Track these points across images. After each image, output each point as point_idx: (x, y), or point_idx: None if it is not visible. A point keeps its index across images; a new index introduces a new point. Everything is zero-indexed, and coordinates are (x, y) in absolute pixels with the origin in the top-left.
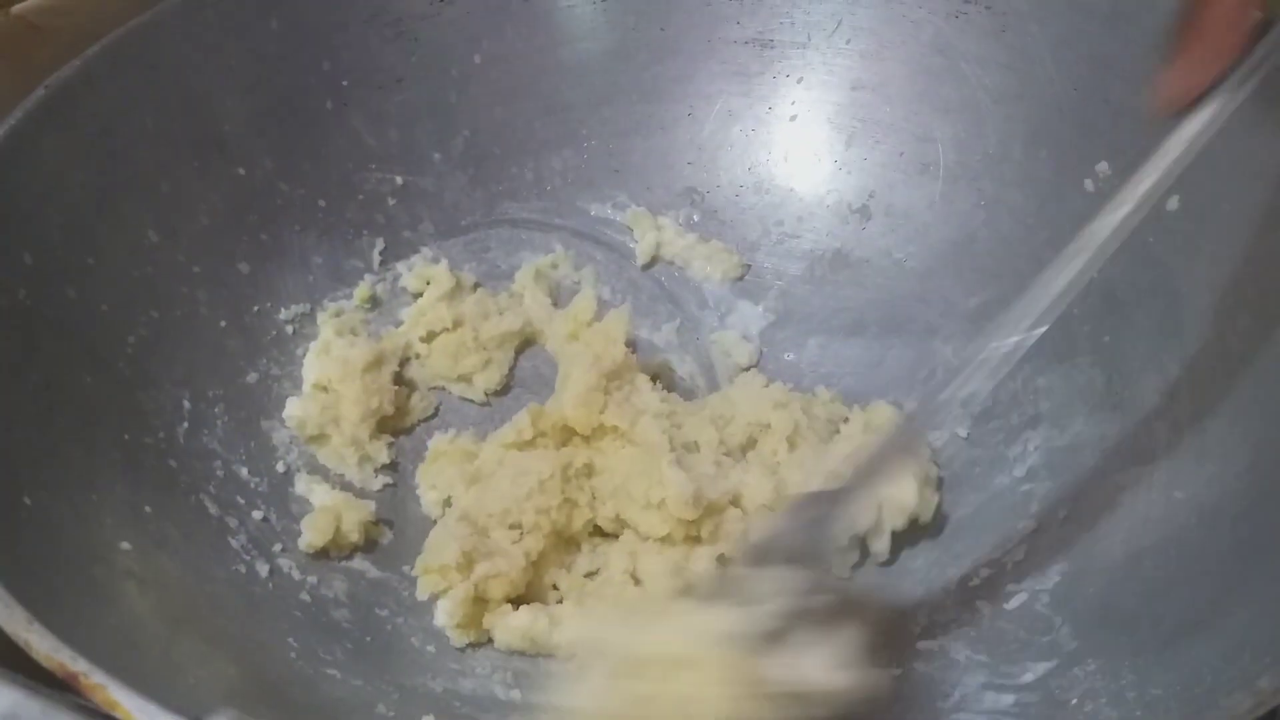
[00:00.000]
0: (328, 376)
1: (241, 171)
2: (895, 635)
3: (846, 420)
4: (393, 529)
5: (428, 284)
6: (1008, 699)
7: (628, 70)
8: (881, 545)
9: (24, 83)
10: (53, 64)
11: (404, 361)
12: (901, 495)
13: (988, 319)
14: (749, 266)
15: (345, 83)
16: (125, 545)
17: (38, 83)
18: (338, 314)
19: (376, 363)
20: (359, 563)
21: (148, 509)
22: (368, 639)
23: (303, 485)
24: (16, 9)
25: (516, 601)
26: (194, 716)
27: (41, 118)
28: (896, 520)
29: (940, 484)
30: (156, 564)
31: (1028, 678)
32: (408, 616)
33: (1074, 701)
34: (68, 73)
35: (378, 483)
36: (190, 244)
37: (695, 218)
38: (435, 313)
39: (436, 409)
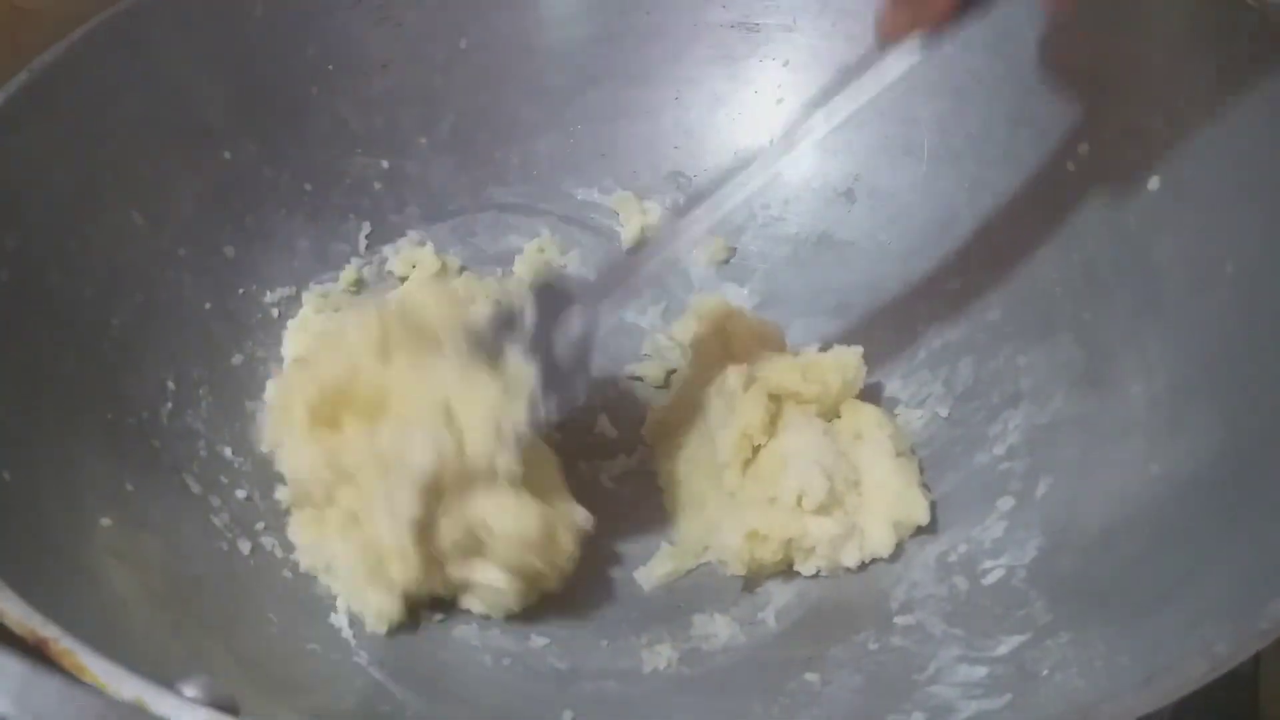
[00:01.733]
0: (308, 349)
1: (227, 156)
2: (873, 610)
3: None
4: None
5: (413, 267)
6: (981, 671)
7: (613, 55)
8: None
9: (9, 65)
10: (38, 47)
11: None
12: (910, 509)
13: (970, 301)
14: (734, 250)
15: (330, 67)
16: (106, 522)
17: (22, 65)
18: (324, 296)
19: None
20: None
21: (129, 487)
22: (347, 616)
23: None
24: None
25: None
26: (166, 682)
27: (25, 101)
28: (903, 532)
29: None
30: (137, 541)
31: (1001, 650)
32: None
33: (1045, 673)
34: (52, 56)
35: None
36: (175, 228)
37: (681, 201)
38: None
39: None
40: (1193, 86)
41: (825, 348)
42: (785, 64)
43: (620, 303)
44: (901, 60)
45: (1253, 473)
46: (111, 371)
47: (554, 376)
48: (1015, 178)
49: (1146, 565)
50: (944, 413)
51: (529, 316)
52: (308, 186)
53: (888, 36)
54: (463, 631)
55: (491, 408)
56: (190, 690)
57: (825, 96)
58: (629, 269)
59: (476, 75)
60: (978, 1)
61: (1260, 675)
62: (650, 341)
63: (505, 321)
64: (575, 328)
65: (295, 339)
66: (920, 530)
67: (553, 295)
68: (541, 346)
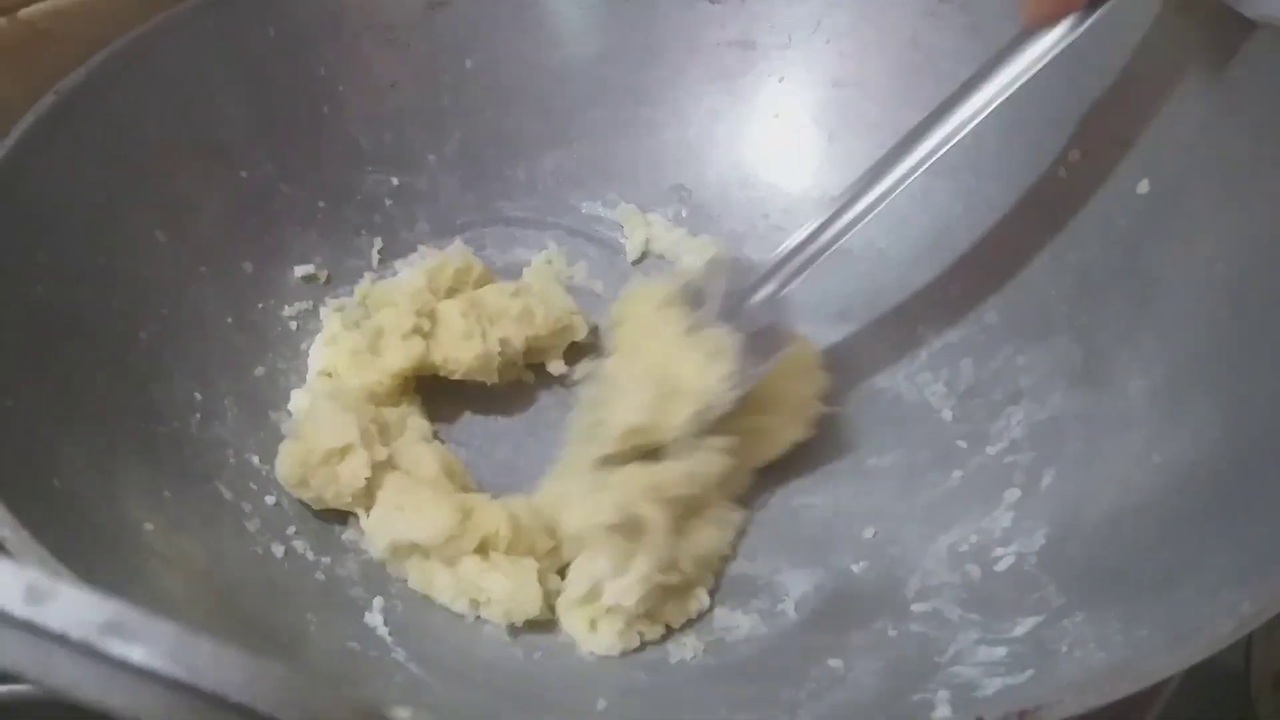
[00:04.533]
0: (333, 364)
1: (243, 174)
2: (889, 600)
3: None
4: None
5: None
6: (1000, 651)
7: (615, 73)
8: None
9: (30, 87)
10: (57, 69)
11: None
12: None
13: (969, 305)
14: (737, 260)
15: (341, 88)
16: (149, 526)
17: (43, 87)
18: (340, 309)
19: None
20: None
21: (167, 494)
22: (382, 614)
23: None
24: (23, 14)
25: None
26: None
27: (52, 122)
28: None
29: None
30: (178, 545)
31: (1019, 631)
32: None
33: (1064, 649)
34: (76, 79)
35: None
36: (196, 244)
37: (684, 213)
38: None
39: None
40: (1181, 95)
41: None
42: (780, 80)
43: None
44: (1050, 43)
45: (1252, 458)
46: (142, 384)
47: (752, 340)
48: (1009, 186)
49: (1154, 548)
50: (947, 412)
51: (715, 291)
52: (321, 204)
53: (1035, 19)
54: (492, 629)
55: (699, 368)
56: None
57: (976, 82)
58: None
59: (482, 94)
60: None
61: (1251, 670)
62: None
63: (695, 298)
64: (763, 301)
65: (322, 353)
66: (930, 524)
67: (739, 273)
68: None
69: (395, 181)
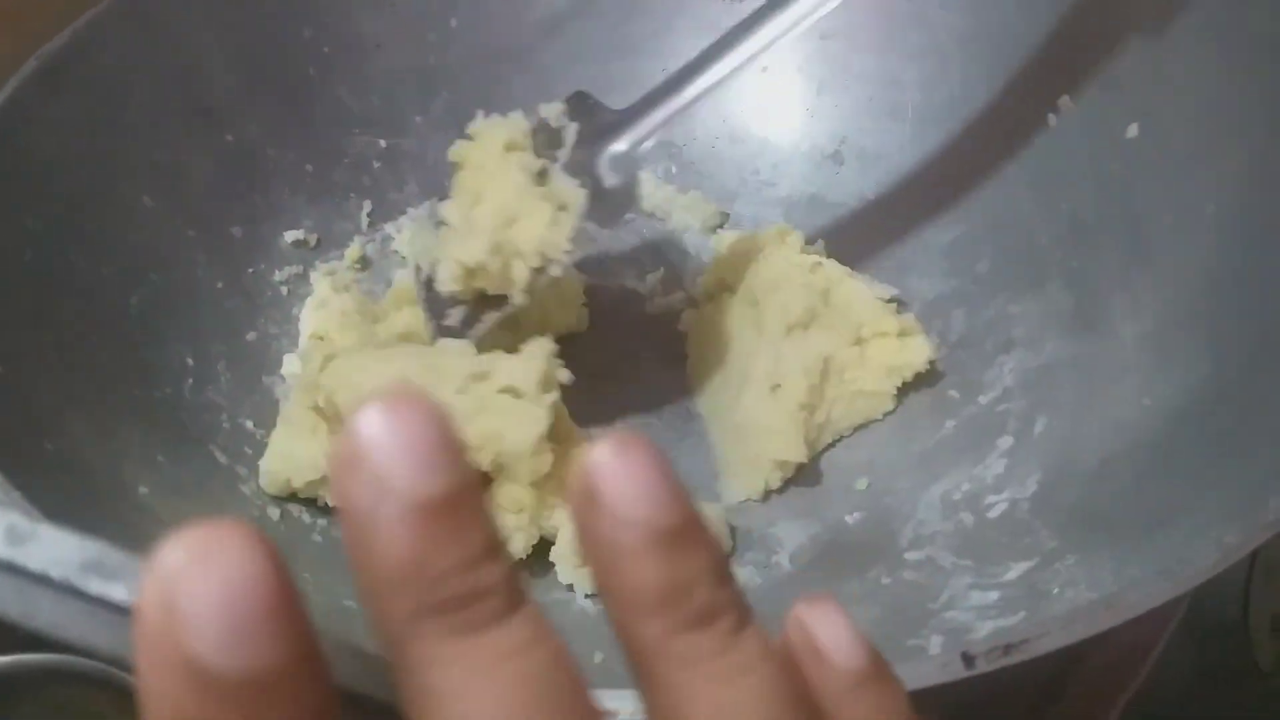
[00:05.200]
0: (325, 327)
1: (230, 138)
2: (883, 549)
3: None
4: None
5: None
6: (993, 595)
7: (600, 29)
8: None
9: (16, 49)
10: (44, 32)
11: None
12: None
13: (960, 255)
14: (728, 215)
15: (326, 49)
16: (144, 490)
17: (30, 50)
18: (330, 273)
19: (375, 318)
20: None
21: (161, 458)
22: None
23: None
24: None
25: None
26: None
27: (36, 87)
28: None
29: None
30: (174, 508)
31: (1011, 575)
32: None
33: (1056, 591)
34: (58, 43)
35: None
36: (185, 209)
37: (674, 170)
38: None
39: None
40: (1169, 36)
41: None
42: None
43: (665, 125)
44: None
45: (1240, 399)
46: (135, 348)
47: (600, 198)
48: (1000, 134)
49: (1145, 490)
50: (939, 363)
51: (570, 136)
52: (309, 167)
53: None
54: None
55: (543, 223)
56: None
57: None
58: (669, 95)
59: (468, 53)
60: None
61: (1249, 618)
62: (651, 305)
63: (548, 140)
64: (617, 150)
65: (314, 316)
66: (923, 473)
67: (590, 116)
68: (585, 167)
69: (383, 143)
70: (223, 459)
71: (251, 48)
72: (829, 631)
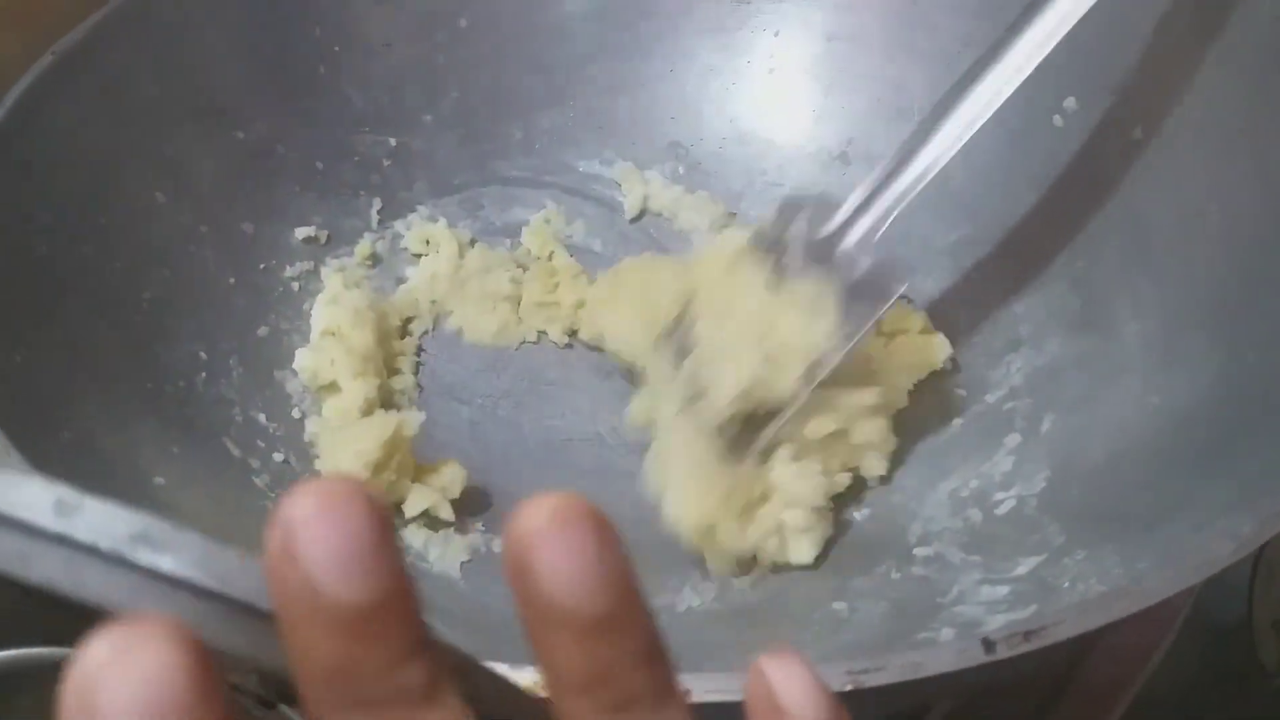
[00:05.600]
0: (337, 323)
1: (240, 135)
2: (891, 545)
3: None
4: None
5: (426, 243)
6: (1003, 590)
7: (609, 30)
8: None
9: (30, 45)
10: (56, 28)
11: (409, 320)
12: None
13: (964, 254)
14: (734, 215)
15: (336, 48)
16: (159, 480)
17: (43, 46)
18: (341, 270)
19: (385, 313)
20: None
21: (175, 450)
22: None
23: (313, 429)
24: None
25: None
26: None
27: (51, 83)
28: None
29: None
30: (188, 498)
31: (1020, 570)
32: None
33: (1066, 585)
34: (73, 39)
35: None
36: (196, 205)
37: (681, 170)
38: (443, 270)
39: None
40: (1174, 39)
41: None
42: (776, 34)
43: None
44: None
45: (1245, 397)
46: (148, 342)
47: (853, 290)
48: (1005, 136)
49: (1153, 486)
50: (946, 362)
51: (796, 240)
52: (319, 165)
53: None
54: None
55: (800, 325)
56: None
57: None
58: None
59: (477, 53)
60: None
61: (1253, 618)
62: None
63: (774, 245)
64: (851, 242)
65: (325, 313)
66: (931, 470)
67: (820, 214)
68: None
69: (393, 142)
70: (236, 452)
71: (262, 46)
72: (790, 685)
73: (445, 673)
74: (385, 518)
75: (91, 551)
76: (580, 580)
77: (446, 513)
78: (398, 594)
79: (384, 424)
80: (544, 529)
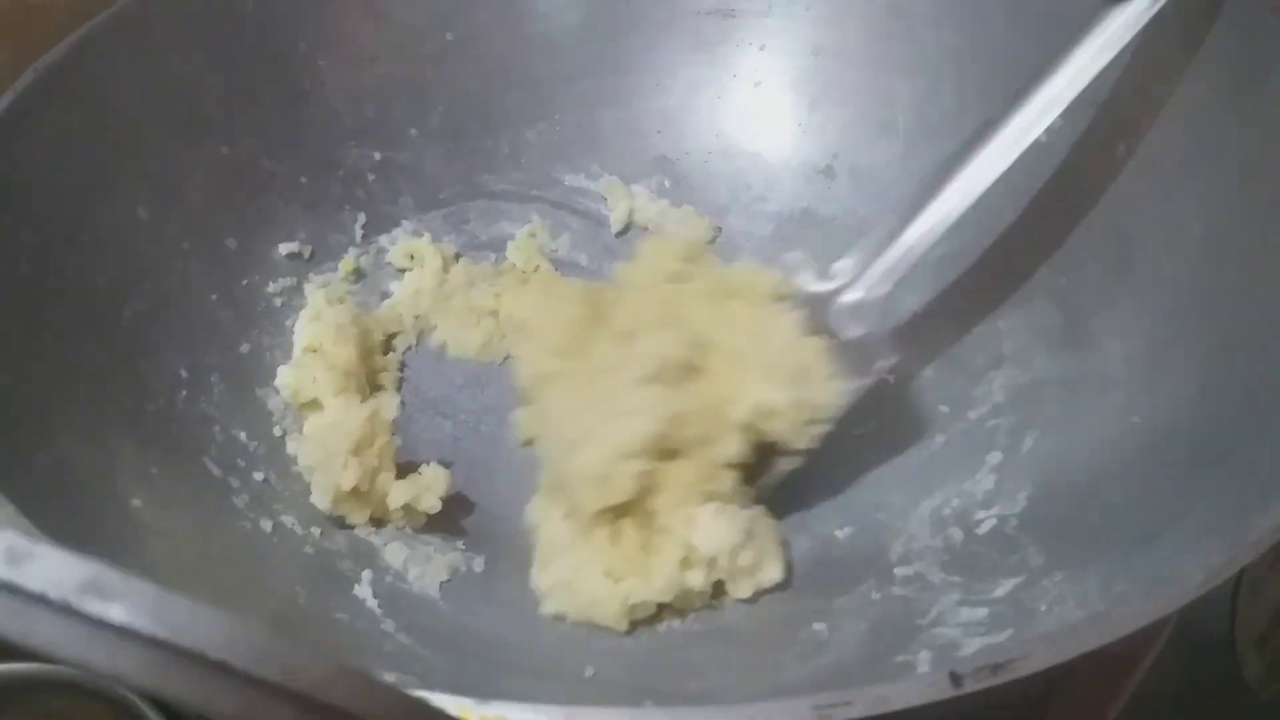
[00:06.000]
0: (319, 339)
1: (225, 150)
2: (873, 563)
3: None
4: None
5: (411, 258)
6: (981, 612)
7: (595, 44)
8: None
9: (16, 60)
10: (44, 42)
11: (392, 335)
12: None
13: (947, 269)
14: (720, 229)
15: (321, 62)
16: (137, 502)
17: (30, 60)
18: (324, 285)
19: (368, 329)
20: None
21: (154, 470)
22: (371, 587)
23: (294, 447)
24: None
25: None
26: None
27: (32, 99)
28: None
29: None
30: (167, 520)
31: (999, 592)
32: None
33: (1043, 608)
34: (55, 56)
35: None
36: (179, 220)
37: (666, 184)
38: (427, 284)
39: None
40: (1158, 57)
41: None
42: (762, 48)
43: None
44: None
45: (1227, 416)
46: (129, 360)
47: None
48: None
49: (1134, 507)
50: (928, 378)
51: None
52: (304, 179)
53: None
54: (481, 599)
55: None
56: None
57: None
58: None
59: (463, 67)
60: None
61: (1236, 634)
62: None
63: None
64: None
65: (308, 329)
66: (913, 487)
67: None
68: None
69: (378, 156)
70: (216, 471)
71: (247, 60)
72: None
73: None
74: None
75: (40, 600)
76: None
77: (430, 503)
78: None
79: (363, 407)
80: None
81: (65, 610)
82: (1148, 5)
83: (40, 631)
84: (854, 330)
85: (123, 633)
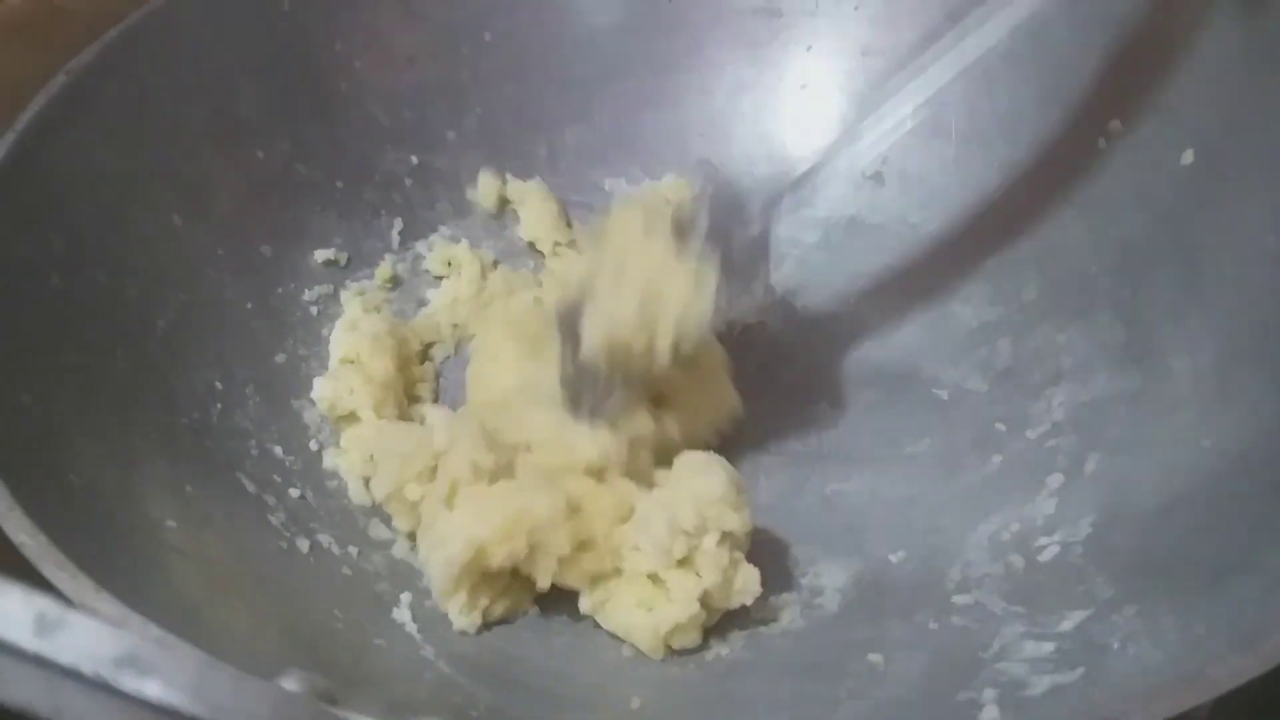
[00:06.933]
0: (356, 350)
1: (260, 154)
2: (930, 591)
3: None
4: None
5: (449, 265)
6: (1048, 646)
7: (636, 44)
8: None
9: (47, 63)
10: (74, 44)
11: (429, 344)
12: None
13: (1006, 281)
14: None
15: (357, 64)
16: (171, 524)
17: (60, 63)
18: (360, 293)
19: (405, 339)
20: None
21: (189, 488)
22: (410, 610)
23: (331, 460)
24: None
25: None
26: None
27: (64, 103)
28: None
29: None
30: (201, 541)
31: (1066, 626)
32: None
33: (1116, 646)
34: (87, 58)
35: None
36: (214, 227)
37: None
38: (465, 292)
39: None
40: (1225, 60)
41: None
42: (809, 49)
43: (792, 209)
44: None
45: None
46: (161, 373)
47: (732, 277)
48: (1046, 157)
49: (1208, 537)
50: (984, 394)
51: (703, 220)
52: (340, 184)
53: None
54: (525, 623)
55: (683, 294)
56: (289, 683)
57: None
58: (800, 177)
59: (501, 68)
60: None
61: None
62: None
63: (685, 224)
64: (748, 233)
65: (345, 340)
66: (969, 510)
67: (724, 202)
68: (719, 249)
69: (414, 160)
70: (251, 487)
71: (282, 62)
72: None
73: None
74: None
75: (72, 674)
76: None
77: None
78: None
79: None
80: None
81: (100, 685)
82: None
83: (73, 708)
84: (743, 261)
85: (160, 710)
